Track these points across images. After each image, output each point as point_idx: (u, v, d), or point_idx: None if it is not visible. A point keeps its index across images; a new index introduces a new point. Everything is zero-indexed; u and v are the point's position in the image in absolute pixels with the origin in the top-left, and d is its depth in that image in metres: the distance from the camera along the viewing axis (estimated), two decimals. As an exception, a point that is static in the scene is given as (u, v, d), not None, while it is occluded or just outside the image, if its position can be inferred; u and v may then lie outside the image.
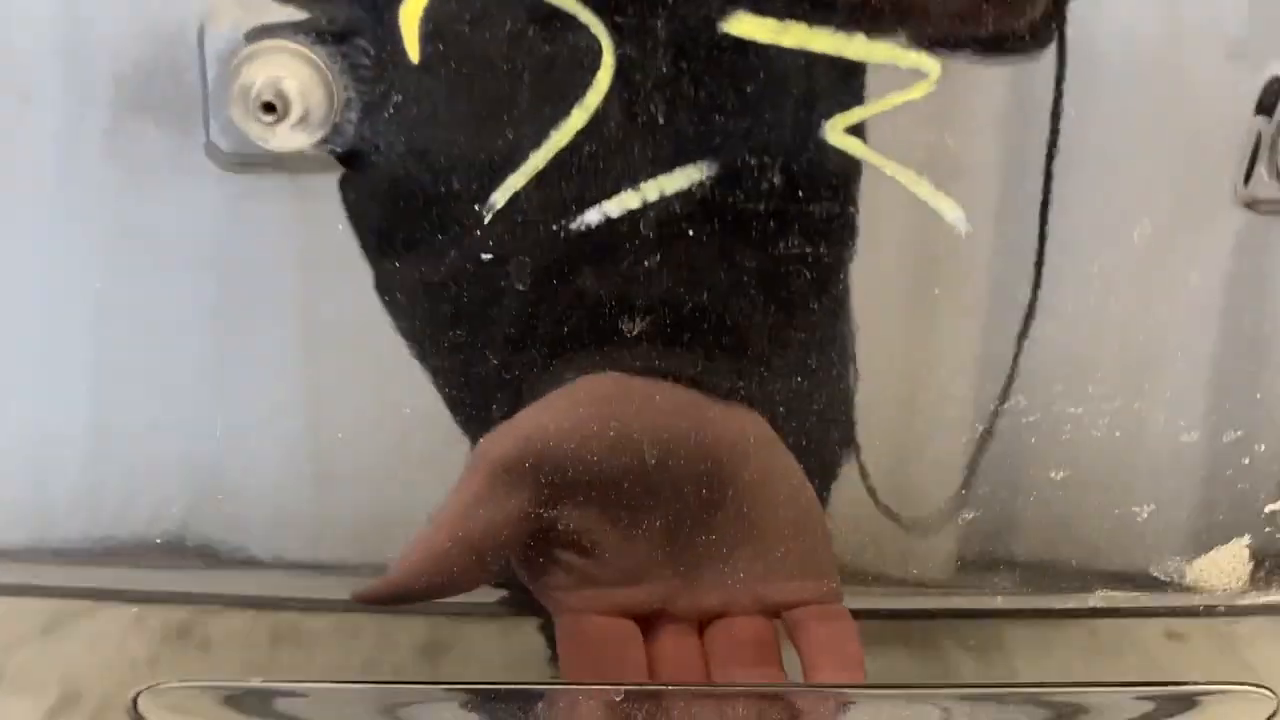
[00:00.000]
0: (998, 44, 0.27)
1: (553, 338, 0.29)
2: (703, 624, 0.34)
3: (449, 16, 0.26)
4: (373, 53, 0.26)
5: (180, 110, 0.26)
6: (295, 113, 0.25)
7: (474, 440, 0.30)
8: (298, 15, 0.26)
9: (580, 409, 0.30)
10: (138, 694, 0.36)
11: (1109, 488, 0.33)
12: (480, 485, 0.30)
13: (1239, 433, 0.32)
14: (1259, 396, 0.32)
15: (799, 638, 0.33)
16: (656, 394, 0.30)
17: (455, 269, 0.28)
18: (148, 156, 0.27)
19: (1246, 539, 0.34)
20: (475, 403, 0.30)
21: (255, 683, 0.36)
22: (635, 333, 0.29)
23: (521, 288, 0.29)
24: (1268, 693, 0.38)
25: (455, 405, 0.30)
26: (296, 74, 0.25)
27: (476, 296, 0.29)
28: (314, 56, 0.26)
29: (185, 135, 0.27)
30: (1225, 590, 0.35)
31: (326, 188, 0.28)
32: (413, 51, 0.26)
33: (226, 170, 0.27)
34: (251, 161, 0.27)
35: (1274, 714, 0.38)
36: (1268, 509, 0.34)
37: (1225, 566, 0.35)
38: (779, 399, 0.30)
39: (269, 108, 0.25)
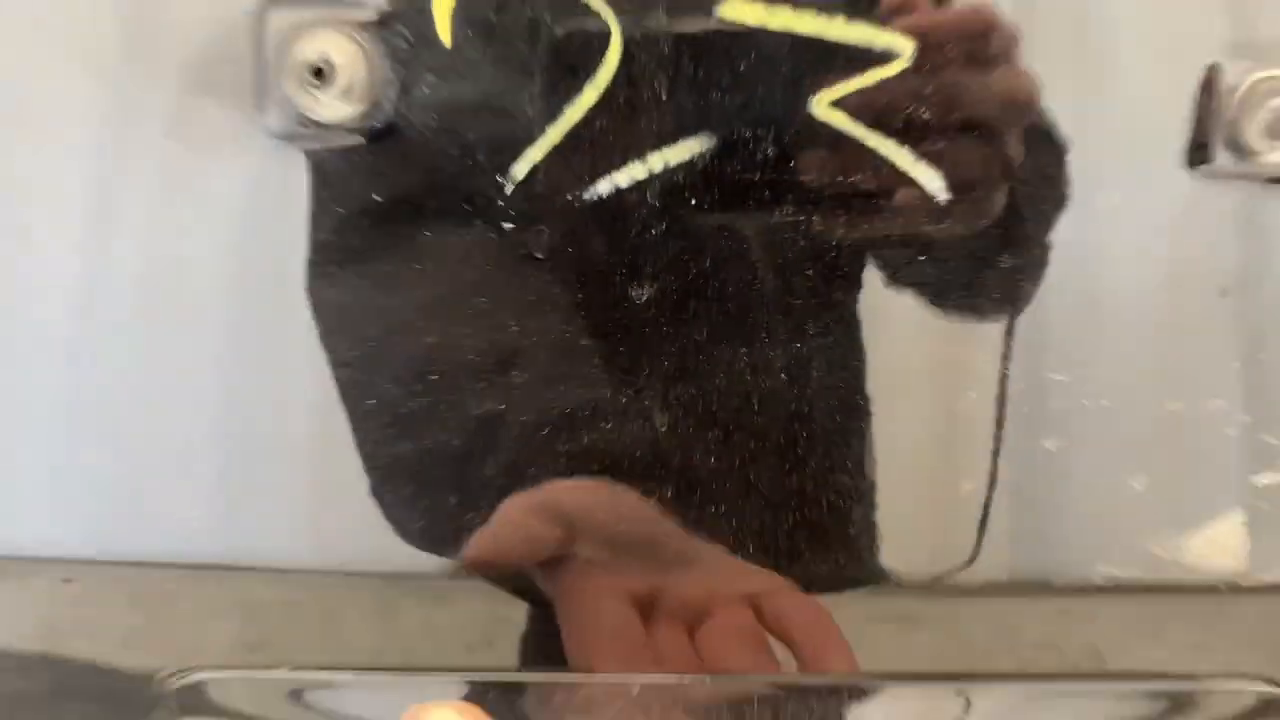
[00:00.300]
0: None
1: (567, 303, 0.32)
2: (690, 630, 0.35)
3: (476, 5, 0.30)
4: (410, 36, 0.30)
5: (237, 89, 0.30)
6: (340, 82, 0.29)
7: (491, 406, 0.33)
8: (346, 2, 0.29)
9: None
10: (168, 676, 0.37)
11: (1101, 459, 0.34)
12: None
13: (1221, 402, 0.34)
14: (1237, 365, 0.34)
15: (784, 630, 0.34)
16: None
17: (480, 238, 0.31)
18: (205, 132, 0.30)
19: (1240, 514, 0.35)
20: (492, 367, 0.32)
21: (285, 672, 0.37)
22: (644, 298, 0.32)
23: (540, 256, 0.31)
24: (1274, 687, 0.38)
25: (475, 370, 0.32)
26: (343, 50, 0.29)
27: (500, 263, 0.31)
28: (358, 38, 0.29)
29: (241, 112, 0.30)
30: (1223, 569, 0.36)
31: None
32: (444, 36, 0.30)
33: (278, 145, 0.30)
34: (300, 138, 0.30)
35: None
36: (1260, 482, 0.35)
37: (1222, 543, 0.36)
38: (779, 365, 0.33)
39: (318, 73, 0.28)
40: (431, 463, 0.33)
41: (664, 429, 0.33)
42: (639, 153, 0.31)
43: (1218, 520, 0.35)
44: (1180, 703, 0.38)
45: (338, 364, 0.32)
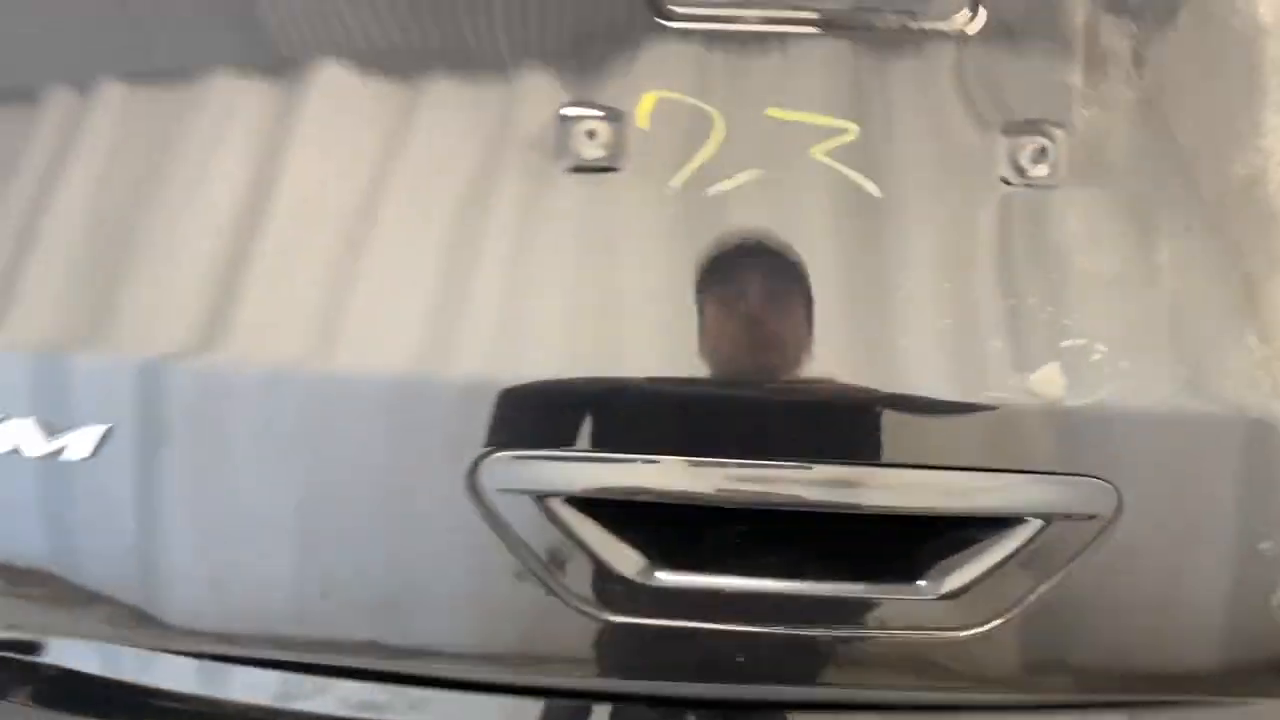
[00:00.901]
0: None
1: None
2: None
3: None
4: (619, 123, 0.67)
5: (546, 147, 0.67)
6: (599, 138, 0.66)
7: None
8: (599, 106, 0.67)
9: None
10: (477, 461, 0.67)
11: (972, 344, 0.66)
12: None
13: (1034, 300, 0.66)
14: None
15: None
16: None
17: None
18: (526, 167, 0.67)
19: (1058, 363, 0.66)
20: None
21: (575, 451, 0.67)
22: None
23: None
24: (1106, 483, 0.67)
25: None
26: (599, 126, 0.66)
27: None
28: (605, 124, 0.67)
29: (547, 160, 0.67)
30: (1055, 396, 0.66)
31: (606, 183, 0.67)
32: (643, 124, 0.67)
33: (568, 174, 0.67)
34: (578, 169, 0.67)
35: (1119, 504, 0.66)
36: (1064, 344, 0.66)
37: (1050, 378, 0.66)
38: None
39: (591, 134, 0.65)
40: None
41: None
42: (728, 173, 0.67)
43: (1047, 366, 0.66)
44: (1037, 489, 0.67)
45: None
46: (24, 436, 0.68)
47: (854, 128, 0.67)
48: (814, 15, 0.68)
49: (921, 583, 0.68)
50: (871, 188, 0.67)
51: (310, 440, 0.68)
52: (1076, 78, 0.67)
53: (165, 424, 0.68)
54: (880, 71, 0.67)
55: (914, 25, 0.68)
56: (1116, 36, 0.67)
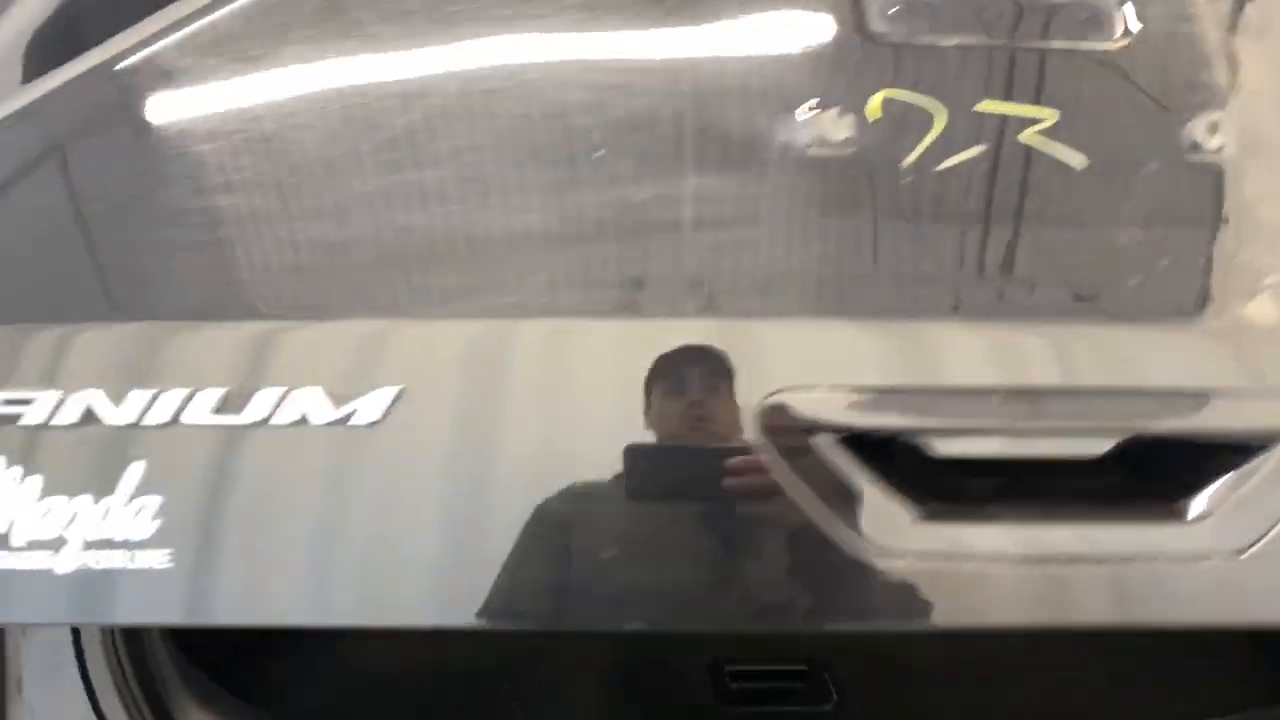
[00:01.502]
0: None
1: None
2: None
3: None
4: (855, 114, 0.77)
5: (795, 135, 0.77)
6: (844, 119, 0.76)
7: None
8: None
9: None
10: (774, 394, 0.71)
11: (1187, 280, 0.75)
12: None
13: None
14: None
15: None
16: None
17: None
18: (779, 153, 0.76)
19: (1266, 294, 0.74)
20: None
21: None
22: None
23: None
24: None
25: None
26: (846, 115, 0.77)
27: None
28: (844, 120, 0.77)
29: (798, 145, 0.77)
30: (1271, 324, 0.73)
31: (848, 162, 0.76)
32: (874, 115, 0.78)
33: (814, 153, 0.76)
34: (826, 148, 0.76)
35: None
36: (1267, 280, 0.74)
37: (1262, 307, 0.74)
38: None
39: (837, 117, 0.76)
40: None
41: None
42: (946, 152, 0.77)
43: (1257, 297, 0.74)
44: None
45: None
46: (312, 404, 0.70)
47: (1054, 114, 0.78)
48: (990, 40, 0.81)
49: (1188, 509, 0.72)
50: (1076, 160, 0.77)
51: (590, 391, 0.71)
52: (1223, 71, 0.80)
53: (454, 384, 0.71)
54: (1065, 73, 0.80)
55: (1079, 46, 0.81)
56: (1243, 43, 0.82)
